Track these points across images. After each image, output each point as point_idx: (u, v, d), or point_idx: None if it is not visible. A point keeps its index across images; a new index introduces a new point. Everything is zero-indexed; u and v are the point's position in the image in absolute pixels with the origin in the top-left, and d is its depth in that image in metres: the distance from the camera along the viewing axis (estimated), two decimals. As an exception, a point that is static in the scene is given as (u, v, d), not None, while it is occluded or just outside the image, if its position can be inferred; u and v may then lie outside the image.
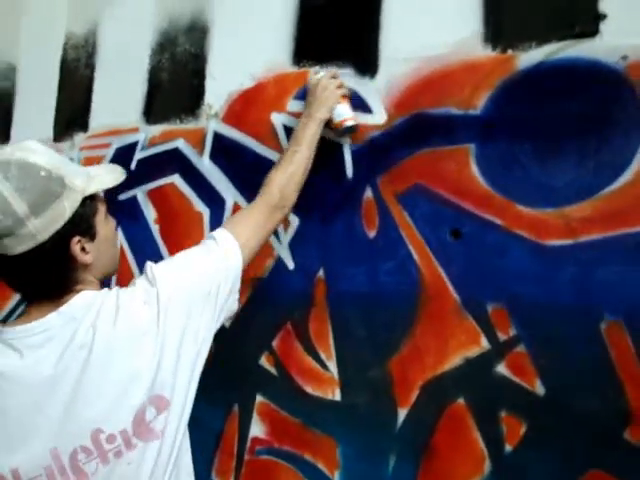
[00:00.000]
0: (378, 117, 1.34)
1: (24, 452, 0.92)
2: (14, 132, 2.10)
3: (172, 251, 1.60)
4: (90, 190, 0.99)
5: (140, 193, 1.70)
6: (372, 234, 1.32)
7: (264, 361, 1.43)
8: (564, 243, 1.12)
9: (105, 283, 1.08)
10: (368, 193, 1.33)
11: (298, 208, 1.35)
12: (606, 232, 1.09)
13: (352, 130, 1.34)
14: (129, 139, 1.76)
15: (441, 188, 1.24)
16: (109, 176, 1.07)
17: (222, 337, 1.47)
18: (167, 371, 0.98)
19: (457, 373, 1.20)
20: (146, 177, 1.70)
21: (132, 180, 1.70)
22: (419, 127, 1.28)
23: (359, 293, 1.32)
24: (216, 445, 1.48)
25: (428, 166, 1.26)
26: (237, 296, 1.13)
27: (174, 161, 1.64)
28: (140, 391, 0.95)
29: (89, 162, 1.83)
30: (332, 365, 1.34)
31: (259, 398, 1.43)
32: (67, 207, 0.95)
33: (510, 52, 1.20)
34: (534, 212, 1.15)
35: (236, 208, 1.50)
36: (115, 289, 1.02)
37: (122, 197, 1.72)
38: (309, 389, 1.36)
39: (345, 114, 1.33)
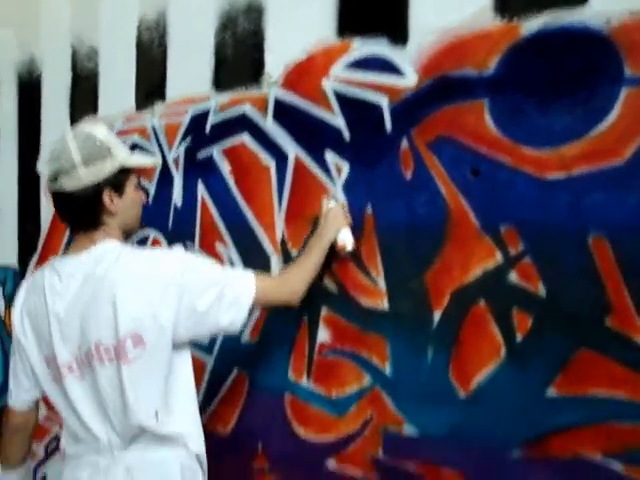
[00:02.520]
0: (410, 80, 1.59)
1: (62, 345, 1.36)
2: (101, 105, 2.43)
3: (247, 198, 1.92)
4: (128, 163, 1.42)
5: (215, 151, 2.00)
6: (409, 175, 1.60)
7: (327, 281, 1.74)
8: (560, 177, 1.38)
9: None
10: (404, 143, 1.60)
11: (348, 156, 1.69)
12: (593, 166, 1.34)
13: (350, 253, 1.66)
14: (202, 107, 2.03)
15: (462, 136, 1.51)
16: (145, 159, 1.55)
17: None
18: (148, 323, 1.32)
19: (478, 282, 1.48)
20: (219, 138, 1.99)
21: (208, 141, 2.02)
22: (443, 87, 1.53)
23: (400, 223, 1.60)
24: (291, 349, 1.82)
25: (451, 119, 1.52)
26: (242, 316, 1.42)
27: (242, 123, 1.92)
28: (126, 326, 1.31)
29: (169, 128, 2.14)
30: (381, 281, 1.64)
31: (324, 311, 1.75)
32: (108, 167, 1.37)
33: (515, 21, 1.44)
34: (536, 152, 1.41)
35: (297, 160, 1.81)
36: (135, 247, 1.46)
37: (200, 156, 2.04)
38: (363, 301, 1.68)
39: (347, 240, 1.64)
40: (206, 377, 2.06)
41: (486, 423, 1.50)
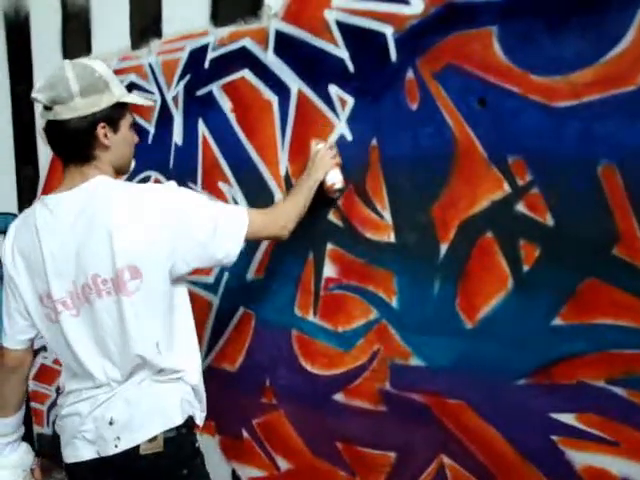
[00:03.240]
0: (416, 8, 1.54)
1: (57, 280, 1.36)
2: (95, 44, 2.35)
3: (249, 135, 1.89)
4: (123, 99, 1.41)
5: (215, 88, 1.96)
6: (414, 107, 1.58)
7: (332, 216, 1.75)
8: (569, 104, 1.36)
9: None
10: (409, 73, 1.57)
11: (352, 89, 1.66)
12: (604, 93, 1.32)
13: (341, 191, 1.70)
14: (200, 42, 1.97)
15: (469, 65, 1.48)
16: (141, 99, 1.52)
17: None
18: (144, 254, 1.33)
19: (485, 213, 1.49)
20: (219, 74, 1.94)
21: (207, 77, 1.97)
22: (450, 14, 1.49)
23: (405, 155, 1.59)
24: (297, 286, 1.84)
25: (458, 47, 1.49)
26: (236, 248, 1.43)
27: (242, 58, 1.87)
28: (123, 257, 1.32)
29: (167, 65, 2.09)
30: (387, 214, 1.65)
31: (329, 246, 1.76)
32: (104, 101, 1.37)
33: (525, -57, 1.39)
34: (545, 80, 1.38)
35: (300, 94, 1.77)
36: (131, 184, 1.46)
37: (199, 93, 1.99)
38: (369, 235, 1.68)
39: (336, 179, 1.67)
40: (212, 316, 2.07)
41: (492, 354, 1.53)
